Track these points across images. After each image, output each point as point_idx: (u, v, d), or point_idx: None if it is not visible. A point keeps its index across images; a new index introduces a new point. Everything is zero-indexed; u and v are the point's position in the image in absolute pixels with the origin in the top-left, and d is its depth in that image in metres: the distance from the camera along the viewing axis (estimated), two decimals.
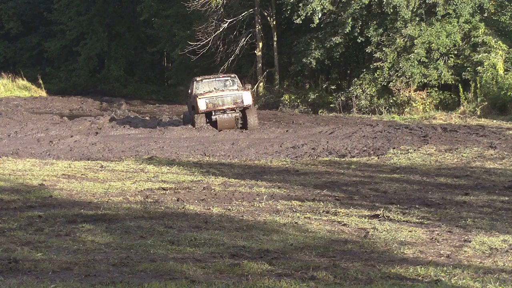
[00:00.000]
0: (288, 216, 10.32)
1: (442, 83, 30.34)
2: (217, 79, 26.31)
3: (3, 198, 11.27)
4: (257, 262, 7.58)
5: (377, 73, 31.06)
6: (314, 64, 33.19)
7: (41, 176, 13.79)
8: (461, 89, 28.87)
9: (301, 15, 31.30)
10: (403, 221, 10.03)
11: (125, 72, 50.16)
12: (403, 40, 30.34)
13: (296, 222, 9.86)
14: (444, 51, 30.18)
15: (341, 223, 9.88)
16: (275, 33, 36.74)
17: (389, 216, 10.24)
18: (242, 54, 37.04)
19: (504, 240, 8.76)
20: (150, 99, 44.46)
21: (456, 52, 30.66)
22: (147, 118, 31.21)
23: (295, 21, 32.03)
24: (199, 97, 24.51)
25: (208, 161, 17.17)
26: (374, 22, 31.57)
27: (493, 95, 28.02)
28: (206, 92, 24.99)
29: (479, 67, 29.00)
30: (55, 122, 28.97)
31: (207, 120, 24.82)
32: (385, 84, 30.90)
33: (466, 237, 8.94)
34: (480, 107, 27.52)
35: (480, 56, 29.21)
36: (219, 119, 24.68)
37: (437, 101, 30.21)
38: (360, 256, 8.00)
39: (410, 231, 9.29)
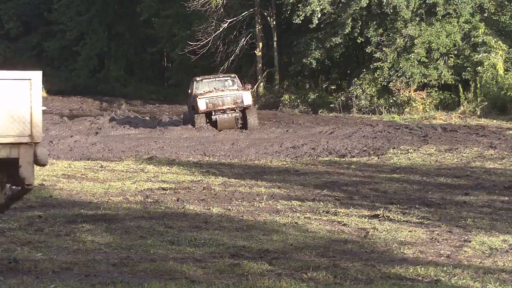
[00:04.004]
0: (288, 216, 10.32)
1: (442, 83, 30.34)
2: (217, 79, 26.32)
3: None
4: (257, 262, 7.58)
5: (377, 73, 31.06)
6: (314, 64, 33.18)
7: (41, 176, 13.79)
8: (461, 89, 28.87)
9: (301, 15, 31.30)
10: (403, 221, 10.03)
11: (125, 72, 50.14)
12: (403, 40, 30.33)
13: (296, 222, 9.86)
14: (444, 51, 30.18)
15: (341, 223, 9.89)
16: (275, 33, 36.73)
17: (389, 216, 10.24)
18: (242, 54, 37.03)
19: (504, 240, 8.76)
20: (150, 99, 44.46)
21: (456, 52, 30.65)
22: (147, 118, 31.21)
23: (294, 21, 32.03)
24: (199, 97, 24.52)
25: (208, 161, 17.17)
26: (374, 22, 31.57)
27: (493, 95, 28.02)
28: (206, 92, 25.00)
29: (479, 67, 28.99)
30: (55, 122, 28.97)
31: (207, 120, 24.81)
32: (385, 84, 30.90)
33: (466, 237, 8.94)
34: (480, 107, 27.52)
35: (480, 56, 29.20)
36: (219, 119, 24.68)
37: (437, 101, 30.20)
38: (360, 256, 8.00)
39: (410, 231, 9.29)
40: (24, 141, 6.06)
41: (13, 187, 6.44)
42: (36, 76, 6.04)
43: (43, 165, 6.26)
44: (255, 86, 36.32)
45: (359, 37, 32.07)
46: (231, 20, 35.49)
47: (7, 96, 5.93)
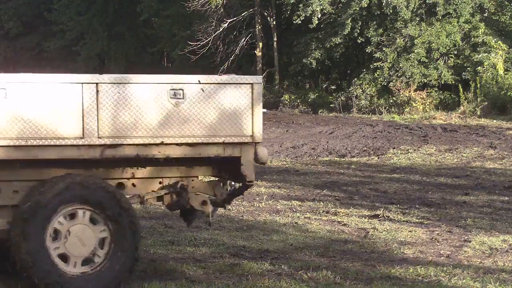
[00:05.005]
0: (288, 216, 10.33)
1: (442, 83, 30.33)
2: None
3: None
4: (257, 262, 7.58)
5: (377, 73, 31.05)
6: (314, 64, 33.17)
7: None
8: (461, 89, 28.86)
9: (301, 15, 31.32)
10: (403, 221, 10.03)
11: (125, 72, 50.07)
12: (403, 40, 30.33)
13: (296, 222, 9.87)
14: (444, 51, 30.17)
15: (341, 223, 9.89)
16: (275, 33, 36.73)
17: (389, 216, 10.24)
18: (242, 54, 37.02)
19: (504, 240, 8.77)
20: None
21: (456, 52, 30.65)
22: None
23: (294, 22, 32.04)
24: None
25: None
26: (374, 22, 31.58)
27: (493, 95, 28.03)
28: None
29: (479, 67, 28.99)
30: None
31: None
32: (385, 84, 30.89)
33: (466, 237, 8.95)
34: (480, 107, 27.52)
35: (480, 56, 29.20)
36: None
37: (437, 101, 30.20)
38: (360, 256, 8.00)
39: (410, 231, 9.30)
40: (245, 141, 6.61)
41: (234, 184, 7.03)
42: (257, 80, 6.71)
43: (263, 163, 6.81)
44: None
45: (359, 37, 32.06)
46: (231, 20, 35.48)
47: (232, 100, 6.56)
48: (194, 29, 36.42)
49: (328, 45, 32.27)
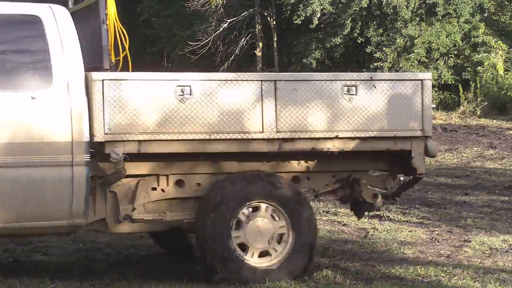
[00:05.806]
0: None
1: (442, 83, 30.33)
2: None
3: None
4: None
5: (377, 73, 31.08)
6: (314, 64, 33.17)
7: None
8: (461, 89, 28.86)
9: (301, 15, 31.34)
10: (403, 221, 10.04)
11: None
12: (403, 40, 30.34)
13: None
14: (444, 51, 30.18)
15: (341, 223, 9.90)
16: (275, 33, 36.72)
17: (389, 216, 10.25)
18: (242, 54, 37.01)
19: (504, 240, 8.77)
20: None
21: (456, 52, 30.66)
22: None
23: (294, 22, 32.06)
24: None
25: None
26: (374, 22, 31.58)
27: (493, 95, 28.02)
28: None
29: (479, 67, 28.99)
30: None
31: None
32: None
33: (466, 237, 8.95)
34: (480, 107, 27.52)
35: (480, 56, 29.20)
36: None
37: (437, 101, 30.19)
38: (360, 256, 8.01)
39: (410, 231, 9.30)
40: (416, 135, 6.90)
41: (404, 177, 7.32)
42: (427, 77, 7.10)
43: (433, 156, 7.14)
44: None
45: (359, 37, 32.06)
46: (231, 20, 35.48)
47: (402, 95, 6.89)
48: (194, 29, 36.42)
49: (328, 45, 32.28)
